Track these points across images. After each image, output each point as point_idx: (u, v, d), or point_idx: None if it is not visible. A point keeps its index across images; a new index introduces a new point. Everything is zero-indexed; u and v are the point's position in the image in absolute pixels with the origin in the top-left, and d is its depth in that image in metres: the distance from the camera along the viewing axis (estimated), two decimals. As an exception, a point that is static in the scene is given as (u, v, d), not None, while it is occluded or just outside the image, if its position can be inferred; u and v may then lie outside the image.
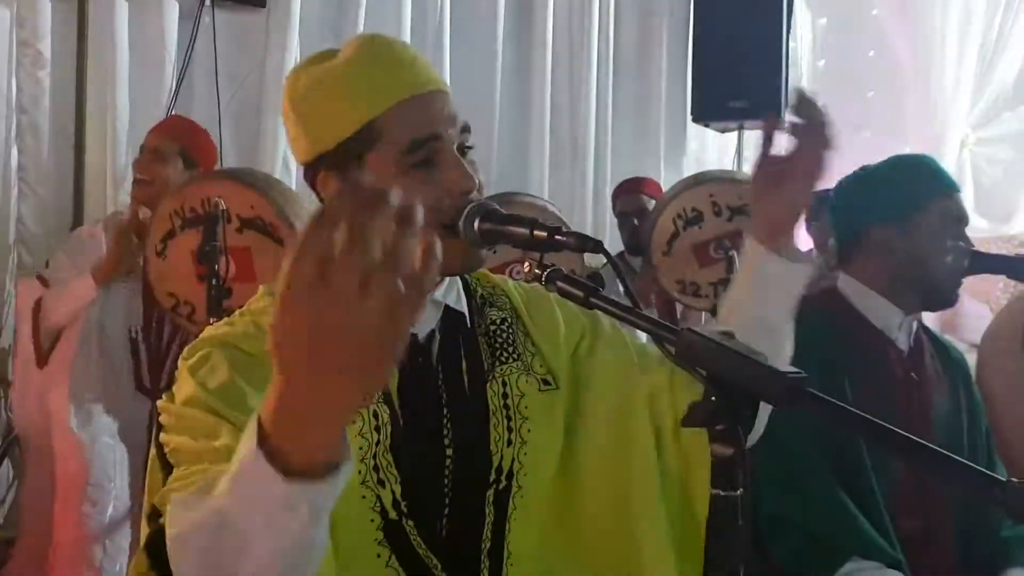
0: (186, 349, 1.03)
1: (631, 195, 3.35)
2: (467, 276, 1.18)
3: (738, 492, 0.77)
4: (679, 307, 3.07)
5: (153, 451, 0.97)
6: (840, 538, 1.49)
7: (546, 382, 1.12)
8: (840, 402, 0.74)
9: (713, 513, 0.77)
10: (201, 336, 1.05)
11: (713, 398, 0.79)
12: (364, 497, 1.00)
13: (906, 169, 1.81)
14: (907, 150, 4.79)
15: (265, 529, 0.69)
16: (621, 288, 0.98)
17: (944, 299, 1.76)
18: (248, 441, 0.67)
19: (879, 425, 0.74)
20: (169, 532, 0.78)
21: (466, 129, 1.07)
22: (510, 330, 1.15)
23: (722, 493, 0.77)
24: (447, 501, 1.05)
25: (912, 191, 1.74)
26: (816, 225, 3.89)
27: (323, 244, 0.56)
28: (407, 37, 3.67)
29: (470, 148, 1.07)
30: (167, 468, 0.91)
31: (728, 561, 0.76)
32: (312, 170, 1.07)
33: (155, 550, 0.82)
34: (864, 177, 1.81)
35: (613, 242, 4.06)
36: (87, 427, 2.47)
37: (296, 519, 0.67)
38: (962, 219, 1.74)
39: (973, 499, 1.55)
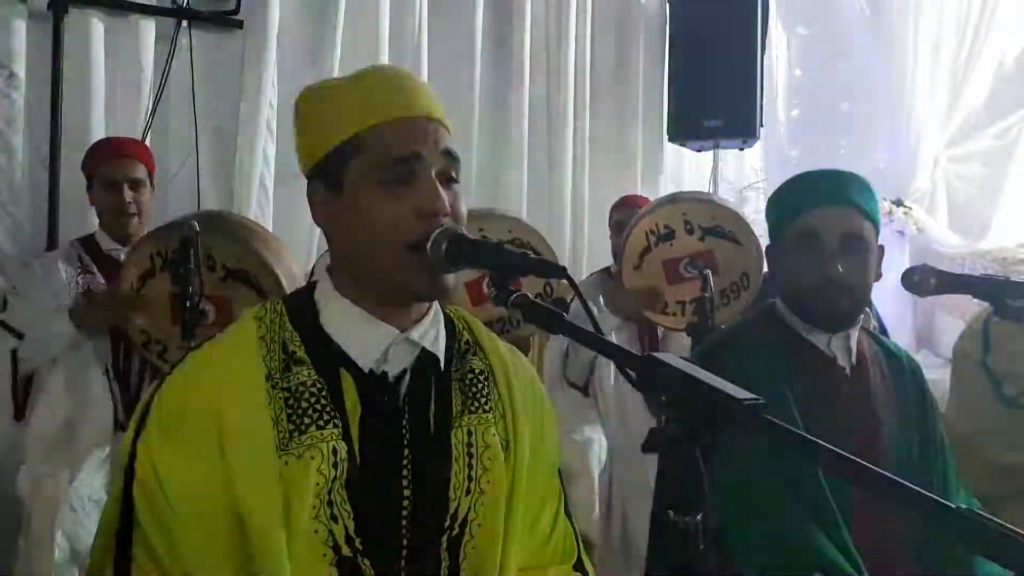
0: (163, 388, 1.03)
1: (626, 207, 3.38)
2: (453, 318, 1.19)
3: (698, 517, 0.77)
4: (660, 330, 3.08)
5: (119, 486, 0.98)
6: (804, 556, 1.47)
7: (506, 444, 1.13)
8: (794, 428, 0.75)
9: (672, 539, 0.77)
10: (174, 377, 1.04)
11: (672, 423, 0.79)
12: (316, 531, 1.00)
13: (784, 187, 1.71)
14: (881, 167, 4.86)
15: None
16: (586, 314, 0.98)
17: (827, 320, 1.62)
18: None
19: (833, 452, 0.75)
20: None
21: (455, 159, 1.08)
22: (487, 382, 1.15)
23: (683, 518, 0.78)
24: (405, 542, 1.05)
25: (782, 209, 1.68)
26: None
27: None
28: (384, 59, 3.67)
29: (455, 181, 1.09)
30: (127, 520, 0.97)
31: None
32: (310, 182, 1.11)
33: None
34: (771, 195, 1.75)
35: (591, 262, 4.08)
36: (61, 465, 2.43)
37: None
38: (814, 234, 1.59)
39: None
